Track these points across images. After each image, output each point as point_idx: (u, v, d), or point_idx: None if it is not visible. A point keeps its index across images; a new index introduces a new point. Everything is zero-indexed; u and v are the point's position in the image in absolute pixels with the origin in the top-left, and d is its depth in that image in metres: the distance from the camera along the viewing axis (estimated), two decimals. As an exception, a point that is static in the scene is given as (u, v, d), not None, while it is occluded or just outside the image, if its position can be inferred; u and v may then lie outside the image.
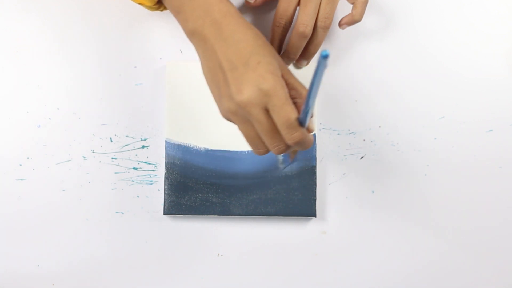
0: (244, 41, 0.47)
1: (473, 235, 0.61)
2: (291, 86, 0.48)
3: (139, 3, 0.54)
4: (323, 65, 0.37)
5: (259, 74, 0.45)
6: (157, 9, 0.55)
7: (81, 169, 0.61)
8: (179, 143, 0.60)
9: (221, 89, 0.47)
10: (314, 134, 0.60)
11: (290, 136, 0.45)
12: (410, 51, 0.62)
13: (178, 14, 0.50)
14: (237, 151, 0.60)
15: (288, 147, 0.47)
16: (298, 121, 0.45)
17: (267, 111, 0.45)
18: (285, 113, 0.44)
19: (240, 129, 0.48)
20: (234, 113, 0.47)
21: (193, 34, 0.49)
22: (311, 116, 0.47)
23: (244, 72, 0.45)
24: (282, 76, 0.47)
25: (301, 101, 0.47)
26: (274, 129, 0.46)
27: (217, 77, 0.48)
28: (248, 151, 0.60)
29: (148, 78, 0.61)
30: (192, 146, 0.60)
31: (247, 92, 0.45)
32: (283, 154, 0.55)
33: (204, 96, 0.60)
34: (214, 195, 0.59)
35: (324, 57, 0.35)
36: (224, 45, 0.47)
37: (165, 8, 0.55)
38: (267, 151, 0.49)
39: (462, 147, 0.62)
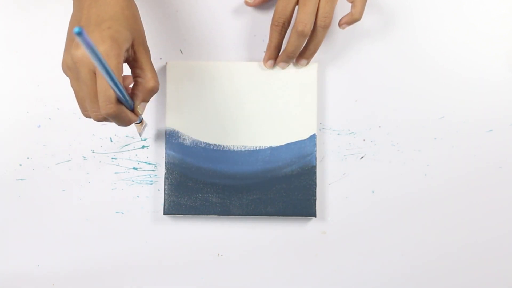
0: (112, 6, 0.47)
1: (473, 235, 0.61)
2: (139, 64, 0.48)
3: None
4: (82, 41, 0.34)
5: (101, 36, 0.45)
6: None
7: (81, 169, 0.61)
8: (179, 139, 0.60)
9: (69, 43, 0.48)
10: (314, 134, 0.60)
11: (105, 107, 0.45)
12: (410, 51, 0.62)
13: None
14: (237, 148, 0.60)
15: (105, 117, 0.47)
16: (116, 96, 0.45)
17: (94, 74, 0.45)
18: (105, 82, 0.44)
19: (71, 85, 0.48)
20: (69, 67, 0.47)
21: None
22: (144, 101, 0.48)
23: (91, 31, 0.45)
24: (134, 51, 0.47)
25: (142, 81, 0.48)
26: (95, 94, 0.45)
27: (71, 30, 0.48)
28: (248, 148, 0.60)
29: (148, 78, 0.61)
30: (191, 143, 0.60)
31: (82, 49, 0.44)
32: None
33: (204, 96, 0.60)
34: (214, 195, 0.59)
35: (77, 33, 0.33)
36: (93, 4, 0.47)
37: None
38: (89, 115, 0.49)
39: (462, 147, 0.62)
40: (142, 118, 0.55)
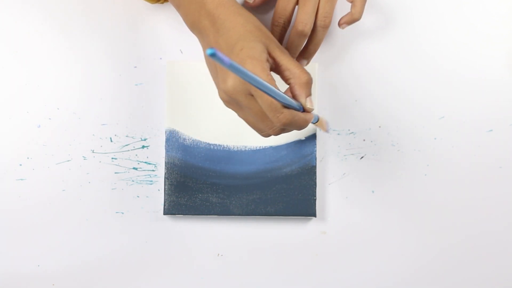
0: (233, 28, 0.48)
1: (473, 235, 0.61)
2: (284, 67, 0.48)
3: None
4: (219, 60, 0.33)
5: (240, 59, 0.45)
6: (157, 1, 0.56)
7: (81, 169, 0.61)
8: (179, 139, 0.60)
9: (216, 80, 0.49)
10: (314, 134, 0.60)
11: (276, 119, 0.45)
12: (410, 51, 0.62)
13: (179, 8, 0.52)
14: (237, 148, 0.60)
15: (282, 128, 0.47)
16: (281, 103, 0.45)
17: (252, 96, 0.45)
18: (266, 96, 0.44)
19: (239, 116, 0.49)
20: (228, 102, 0.48)
21: (192, 27, 0.51)
22: (308, 95, 0.47)
23: None
24: (273, 57, 0.48)
25: (295, 80, 0.47)
26: (263, 113, 0.46)
27: (213, 68, 0.49)
28: (247, 147, 0.60)
29: (148, 78, 0.61)
30: (192, 143, 0.60)
31: (230, 81, 0.45)
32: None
33: (204, 96, 0.60)
34: (214, 195, 0.59)
35: (211, 55, 0.32)
36: (217, 35, 0.48)
37: (165, 0, 0.56)
38: (269, 133, 0.49)
39: (462, 147, 0.61)
40: (318, 117, 0.53)
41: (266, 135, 0.50)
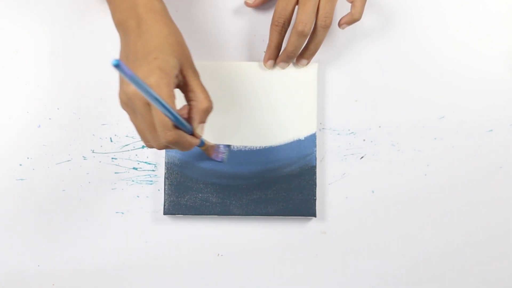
0: (155, 37, 0.48)
1: (473, 235, 0.61)
2: (190, 88, 0.48)
3: None
4: (122, 73, 0.35)
5: (150, 68, 0.45)
6: None
7: (81, 169, 0.61)
8: None
9: (121, 80, 0.48)
10: (314, 134, 0.60)
11: (164, 135, 0.45)
12: (410, 51, 0.62)
13: (110, 4, 0.52)
14: (237, 148, 0.60)
15: (166, 145, 0.47)
16: (173, 122, 0.45)
17: (149, 106, 0.45)
18: (160, 112, 0.44)
19: (131, 120, 0.48)
20: (125, 103, 0.47)
21: (118, 25, 0.51)
22: (202, 122, 0.48)
23: (140, 65, 0.46)
24: (183, 76, 0.48)
25: (196, 103, 0.48)
26: (153, 125, 0.46)
27: None
28: (247, 147, 0.60)
29: (148, 78, 0.61)
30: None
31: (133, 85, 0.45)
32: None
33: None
34: (214, 195, 0.59)
35: (115, 66, 0.33)
36: (138, 38, 0.48)
37: None
38: (152, 146, 0.49)
39: (462, 147, 0.62)
40: (204, 141, 0.55)
41: (150, 146, 0.49)
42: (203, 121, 0.49)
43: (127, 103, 0.47)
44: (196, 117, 0.48)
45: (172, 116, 0.44)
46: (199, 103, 0.48)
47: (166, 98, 0.44)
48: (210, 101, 0.49)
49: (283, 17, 0.55)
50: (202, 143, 0.55)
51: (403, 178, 0.61)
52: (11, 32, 0.62)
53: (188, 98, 0.49)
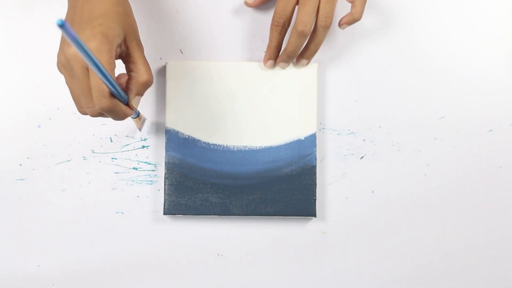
0: (103, 3, 0.48)
1: (473, 235, 0.61)
2: (132, 59, 0.48)
3: None
4: (65, 33, 0.35)
5: (92, 32, 0.45)
6: None
7: (81, 169, 0.61)
8: (179, 139, 0.60)
9: (62, 41, 0.48)
10: (314, 134, 0.60)
11: (99, 101, 0.45)
12: (410, 51, 0.62)
13: None
14: (237, 148, 0.60)
15: (100, 112, 0.47)
16: (109, 90, 0.45)
17: (87, 70, 0.45)
18: (98, 77, 0.44)
19: (66, 83, 0.48)
20: (63, 65, 0.47)
21: None
22: (139, 95, 0.48)
23: (83, 28, 0.46)
24: (126, 46, 0.48)
25: (136, 75, 0.48)
26: (89, 90, 0.46)
27: None
28: (247, 147, 0.60)
29: (148, 78, 0.61)
30: (192, 143, 0.60)
31: (73, 47, 0.45)
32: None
33: (204, 96, 0.60)
34: (214, 195, 0.59)
35: (59, 25, 0.33)
36: (86, 2, 0.48)
37: None
38: (85, 112, 0.49)
39: (462, 147, 0.62)
40: (139, 113, 0.55)
41: (83, 112, 0.49)
42: (140, 93, 0.49)
43: (65, 65, 0.47)
44: (133, 88, 0.48)
45: (109, 83, 0.44)
46: (139, 75, 0.48)
47: (106, 65, 0.44)
48: (150, 75, 0.49)
49: (283, 17, 0.55)
50: (136, 115, 0.54)
51: (403, 178, 0.61)
52: (11, 32, 0.62)
53: (128, 69, 0.49)
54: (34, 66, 0.61)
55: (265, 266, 0.61)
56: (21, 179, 0.61)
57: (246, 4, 0.61)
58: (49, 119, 0.61)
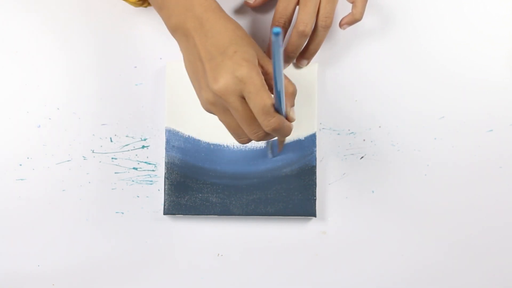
0: (223, 32, 0.47)
1: (473, 235, 0.61)
2: (270, 75, 0.48)
3: (124, 0, 0.54)
4: (277, 44, 0.36)
5: (234, 61, 0.45)
6: (141, 5, 0.56)
7: (81, 169, 0.61)
8: (179, 139, 0.60)
9: (200, 81, 0.48)
10: (314, 134, 0.60)
11: (267, 123, 0.45)
12: (410, 51, 0.62)
13: (161, 10, 0.51)
14: (237, 148, 0.60)
15: (267, 134, 0.47)
16: (274, 108, 0.45)
17: (243, 98, 0.45)
18: (260, 99, 0.44)
19: (221, 119, 0.49)
20: (213, 103, 0.47)
21: (175, 30, 0.50)
22: (292, 106, 0.48)
23: (220, 61, 0.46)
24: (261, 65, 0.48)
25: None
26: (251, 116, 0.46)
27: (197, 69, 0.49)
28: (247, 147, 0.60)
29: (148, 78, 0.61)
30: (192, 143, 0.60)
31: (222, 80, 0.45)
32: (271, 144, 0.57)
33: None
34: (214, 195, 0.59)
35: (276, 34, 0.34)
36: (204, 37, 0.48)
37: (149, 4, 0.56)
38: (249, 139, 0.50)
39: (462, 147, 0.62)
40: None
41: (245, 141, 0.49)
42: (292, 104, 0.49)
43: (214, 102, 0.47)
44: (287, 102, 0.48)
45: (282, 99, 0.44)
46: (286, 87, 0.48)
47: (261, 86, 0.44)
48: (294, 85, 0.49)
49: (283, 17, 0.55)
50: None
51: (403, 178, 0.61)
52: (11, 32, 0.62)
53: (270, 86, 0.48)
54: (34, 66, 0.61)
55: (265, 266, 0.61)
56: (21, 179, 0.61)
57: (246, 4, 0.61)
58: (49, 119, 0.61)
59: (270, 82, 0.48)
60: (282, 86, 0.43)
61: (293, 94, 0.49)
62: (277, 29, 0.33)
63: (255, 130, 0.47)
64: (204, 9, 0.49)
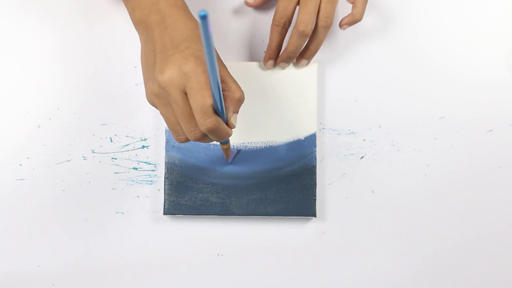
0: (182, 29, 0.48)
1: (473, 235, 0.61)
2: (222, 78, 0.48)
3: None
4: (205, 30, 0.34)
5: (183, 56, 0.45)
6: None
7: (81, 169, 0.61)
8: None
9: (149, 72, 0.48)
10: (314, 134, 0.60)
11: (203, 121, 0.45)
12: (410, 51, 0.62)
13: (128, 2, 0.51)
14: (237, 147, 0.60)
15: (204, 135, 0.47)
16: (213, 108, 0.45)
17: (185, 94, 0.45)
18: (201, 97, 0.44)
19: (161, 113, 0.48)
20: (156, 95, 0.47)
21: (138, 23, 0.50)
22: (235, 112, 0.48)
23: (171, 54, 0.46)
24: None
25: (229, 93, 0.47)
26: (190, 113, 0.46)
27: (149, 60, 0.49)
28: (247, 147, 0.60)
29: (148, 78, 0.61)
30: (191, 143, 0.60)
31: (168, 72, 0.45)
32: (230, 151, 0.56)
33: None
34: (214, 195, 0.59)
35: (202, 17, 0.32)
36: (163, 31, 0.48)
37: None
38: (186, 138, 0.49)
39: (462, 147, 0.62)
40: (228, 140, 0.54)
41: (183, 139, 0.49)
42: (237, 111, 0.48)
43: (158, 93, 0.47)
44: (230, 106, 0.48)
45: (219, 97, 0.43)
46: (232, 93, 0.48)
47: (204, 84, 0.44)
48: (242, 91, 0.48)
49: (284, 17, 0.55)
50: (226, 141, 0.54)
51: (403, 178, 0.61)
52: (11, 32, 0.62)
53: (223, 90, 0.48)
54: (34, 66, 0.61)
55: (265, 266, 0.61)
56: (21, 179, 0.61)
57: (247, 4, 0.61)
58: (49, 119, 0.61)
59: (221, 85, 0.48)
60: (218, 86, 0.42)
61: (238, 101, 0.48)
62: (203, 12, 0.31)
63: (192, 128, 0.46)
64: (169, 5, 0.49)
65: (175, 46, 0.46)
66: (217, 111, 0.45)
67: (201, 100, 0.44)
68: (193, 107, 0.45)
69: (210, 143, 0.60)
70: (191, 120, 0.46)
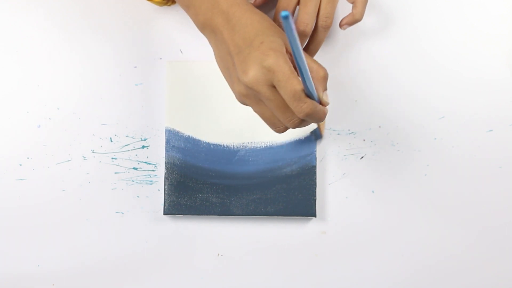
0: (249, 25, 0.48)
1: (473, 235, 0.61)
2: None
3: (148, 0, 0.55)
4: (289, 28, 0.36)
5: (261, 52, 0.45)
6: (165, 4, 0.56)
7: (81, 169, 0.61)
8: (179, 139, 0.60)
9: (232, 75, 0.49)
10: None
11: (300, 109, 0.45)
12: (410, 51, 0.62)
13: (188, 9, 0.52)
14: (237, 148, 0.60)
15: (302, 120, 0.48)
16: (304, 93, 0.45)
17: (274, 87, 0.46)
18: (290, 86, 0.45)
19: (255, 110, 0.49)
20: (246, 95, 0.48)
21: (204, 27, 0.51)
22: (325, 90, 0.48)
23: (248, 53, 0.46)
24: (290, 53, 0.48)
25: (313, 74, 0.48)
26: (284, 104, 0.46)
27: (228, 63, 0.49)
28: (247, 147, 0.60)
29: (148, 78, 0.61)
30: (192, 143, 0.60)
31: (251, 72, 0.45)
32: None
33: (204, 96, 0.60)
34: (214, 195, 0.59)
35: (284, 17, 0.34)
36: (231, 32, 0.48)
37: (173, 2, 0.56)
38: (286, 128, 0.50)
39: (462, 147, 0.62)
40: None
41: (282, 129, 0.50)
42: (325, 88, 0.49)
43: (247, 94, 0.47)
44: (318, 86, 0.48)
45: (309, 82, 0.44)
46: (316, 72, 0.48)
47: (290, 73, 0.44)
48: (324, 69, 0.48)
49: (284, 17, 0.55)
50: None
51: (403, 178, 0.61)
52: (11, 32, 0.62)
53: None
54: (34, 66, 0.61)
55: (265, 266, 0.61)
56: (21, 179, 0.61)
57: (247, 4, 0.61)
58: (49, 119, 0.61)
59: None
60: (307, 70, 0.43)
61: (324, 78, 0.48)
62: (285, 13, 0.33)
63: (290, 117, 0.47)
64: (230, 4, 0.49)
65: (249, 44, 0.47)
66: (309, 95, 0.46)
67: (292, 89, 0.44)
68: (285, 97, 0.45)
69: (209, 143, 0.60)
70: (287, 110, 0.46)
